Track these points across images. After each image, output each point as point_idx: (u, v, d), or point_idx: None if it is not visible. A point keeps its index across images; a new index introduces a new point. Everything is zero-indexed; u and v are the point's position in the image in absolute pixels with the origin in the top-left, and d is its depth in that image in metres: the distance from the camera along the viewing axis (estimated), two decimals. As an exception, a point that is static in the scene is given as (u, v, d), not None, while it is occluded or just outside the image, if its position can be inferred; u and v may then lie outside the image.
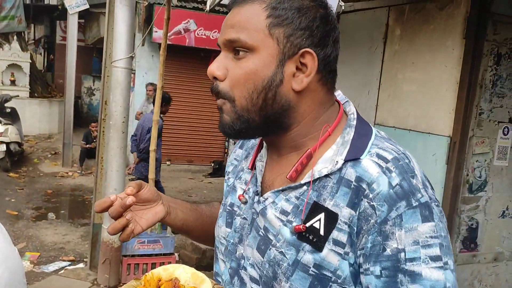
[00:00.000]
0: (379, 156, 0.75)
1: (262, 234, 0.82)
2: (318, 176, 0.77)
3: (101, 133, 3.93)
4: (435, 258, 0.70)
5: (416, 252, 0.70)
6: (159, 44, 5.72)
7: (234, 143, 1.01)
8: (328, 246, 0.74)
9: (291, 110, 0.79)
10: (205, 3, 6.29)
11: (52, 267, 4.27)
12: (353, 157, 0.76)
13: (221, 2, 4.07)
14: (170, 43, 8.13)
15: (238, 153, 0.99)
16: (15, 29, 10.86)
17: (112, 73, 3.41)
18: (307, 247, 0.75)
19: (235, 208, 0.89)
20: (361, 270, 0.73)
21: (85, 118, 12.27)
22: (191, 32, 8.27)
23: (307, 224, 0.76)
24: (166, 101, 5.39)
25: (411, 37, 2.59)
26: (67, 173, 8.06)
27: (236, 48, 0.78)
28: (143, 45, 8.27)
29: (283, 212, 0.79)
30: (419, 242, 0.70)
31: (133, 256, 3.81)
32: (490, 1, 2.23)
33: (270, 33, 0.76)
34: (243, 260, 0.85)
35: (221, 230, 0.91)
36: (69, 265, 4.35)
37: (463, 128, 2.29)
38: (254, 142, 0.95)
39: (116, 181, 3.52)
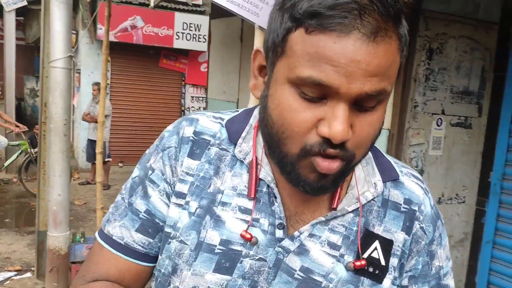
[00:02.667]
0: (414, 176, 0.74)
1: (300, 276, 0.66)
2: (365, 202, 0.68)
3: (42, 137, 3.77)
4: (451, 269, 0.76)
5: (447, 266, 0.74)
6: (104, 42, 5.56)
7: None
8: (389, 276, 0.68)
9: None
10: None
11: (-4, 278, 4.08)
12: (391, 178, 0.71)
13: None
14: (116, 40, 7.91)
15: (190, 166, 0.70)
16: None
17: (51, 73, 3.27)
18: (366, 281, 0.67)
19: (237, 247, 0.67)
20: None
21: (29, 121, 11.70)
22: (138, 29, 8.08)
23: (365, 256, 0.67)
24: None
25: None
26: (11, 179, 7.67)
27: (367, 102, 0.57)
28: (93, 43, 8.00)
29: (333, 246, 0.67)
30: (447, 257, 0.75)
31: (82, 262, 3.70)
32: (421, -2, 2.34)
33: (398, 74, 0.60)
34: None
35: (207, 279, 0.66)
36: (16, 275, 4.16)
37: (400, 121, 2.39)
38: (218, 150, 0.71)
39: (60, 186, 3.39)
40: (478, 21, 2.52)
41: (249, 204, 0.67)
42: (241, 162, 0.69)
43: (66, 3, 3.24)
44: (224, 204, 0.68)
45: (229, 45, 3.68)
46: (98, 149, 3.86)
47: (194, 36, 7.72)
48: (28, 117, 12.20)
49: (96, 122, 6.70)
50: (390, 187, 0.71)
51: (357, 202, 0.68)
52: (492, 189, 2.68)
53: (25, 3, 7.10)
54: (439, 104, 2.50)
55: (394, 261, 0.68)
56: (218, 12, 3.09)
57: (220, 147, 0.71)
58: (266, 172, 0.68)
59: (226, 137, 0.71)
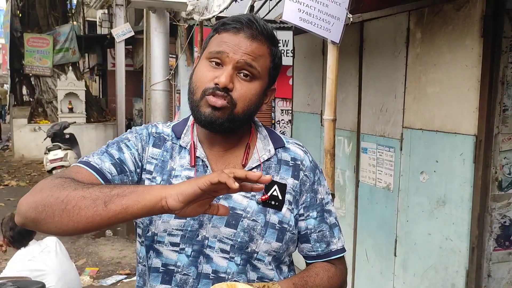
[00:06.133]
0: (296, 144, 1.17)
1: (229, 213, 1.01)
2: (263, 161, 1.10)
3: (146, 152, 4.22)
4: (331, 200, 1.18)
5: (328, 198, 1.16)
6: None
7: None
8: (285, 206, 1.08)
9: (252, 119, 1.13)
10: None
11: (109, 280, 4.54)
12: (280, 146, 1.14)
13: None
14: (210, 61, 8.41)
15: (154, 152, 1.10)
16: (70, 60, 11.72)
17: (152, 95, 3.68)
18: (271, 210, 1.07)
19: None
20: (302, 218, 1.12)
21: (137, 139, 12.84)
22: (230, 49, 8.50)
23: (268, 194, 1.06)
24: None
25: (431, 39, 2.61)
26: (123, 191, 8.49)
27: (244, 71, 1.02)
28: (189, 65, 8.63)
29: None
30: (327, 192, 1.17)
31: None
32: (506, -3, 2.23)
33: (269, 73, 1.08)
34: (206, 241, 1.05)
35: (171, 223, 1.04)
36: (125, 278, 4.62)
37: (487, 126, 2.28)
38: (171, 143, 1.12)
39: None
40: None
41: (191, 173, 1.07)
42: (185, 149, 1.11)
43: (164, 32, 3.63)
44: (176, 176, 1.08)
45: (312, 58, 3.79)
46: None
47: (282, 51, 7.92)
48: (136, 136, 13.43)
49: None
50: (282, 151, 1.13)
51: (258, 161, 1.10)
52: None
53: (132, 33, 7.93)
54: (533, 106, 2.34)
55: (288, 197, 1.09)
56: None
57: (172, 142, 1.12)
58: (200, 152, 1.09)
59: (174, 136, 1.13)
